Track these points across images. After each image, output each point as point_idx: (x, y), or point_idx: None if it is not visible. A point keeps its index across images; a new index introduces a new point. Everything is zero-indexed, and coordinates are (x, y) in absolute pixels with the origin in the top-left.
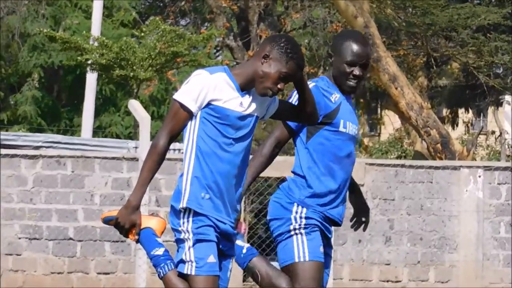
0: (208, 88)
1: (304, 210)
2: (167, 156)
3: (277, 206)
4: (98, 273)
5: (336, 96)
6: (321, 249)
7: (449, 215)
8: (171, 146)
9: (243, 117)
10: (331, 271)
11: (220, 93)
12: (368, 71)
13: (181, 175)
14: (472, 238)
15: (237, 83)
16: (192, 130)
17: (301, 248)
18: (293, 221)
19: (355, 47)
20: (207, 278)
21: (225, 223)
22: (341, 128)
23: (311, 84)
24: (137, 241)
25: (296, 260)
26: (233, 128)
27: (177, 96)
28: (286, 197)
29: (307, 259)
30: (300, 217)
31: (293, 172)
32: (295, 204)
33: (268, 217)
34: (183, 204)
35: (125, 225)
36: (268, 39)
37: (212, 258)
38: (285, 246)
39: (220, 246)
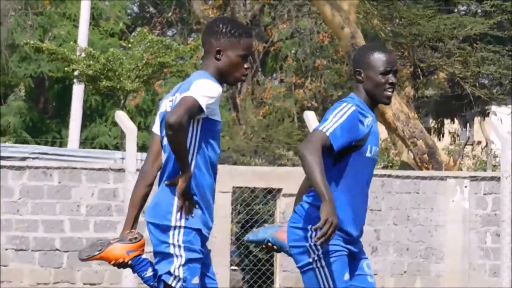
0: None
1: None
2: None
3: (293, 231)
4: (85, 284)
5: (369, 120)
6: (346, 276)
7: (436, 225)
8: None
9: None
10: None
11: (215, 105)
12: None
13: (166, 190)
14: (458, 248)
15: None
16: (193, 144)
17: (325, 283)
18: (310, 250)
19: (384, 56)
20: None
21: (208, 234)
22: (367, 154)
23: (351, 108)
24: None
25: None
26: (217, 140)
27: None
28: (301, 222)
29: None
30: (316, 245)
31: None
32: (309, 228)
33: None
34: (176, 222)
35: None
36: (206, 34)
37: (197, 279)
38: (309, 280)
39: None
